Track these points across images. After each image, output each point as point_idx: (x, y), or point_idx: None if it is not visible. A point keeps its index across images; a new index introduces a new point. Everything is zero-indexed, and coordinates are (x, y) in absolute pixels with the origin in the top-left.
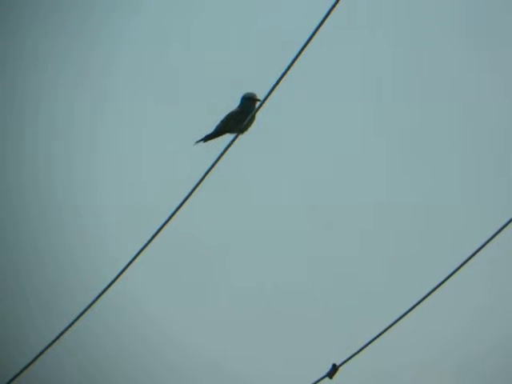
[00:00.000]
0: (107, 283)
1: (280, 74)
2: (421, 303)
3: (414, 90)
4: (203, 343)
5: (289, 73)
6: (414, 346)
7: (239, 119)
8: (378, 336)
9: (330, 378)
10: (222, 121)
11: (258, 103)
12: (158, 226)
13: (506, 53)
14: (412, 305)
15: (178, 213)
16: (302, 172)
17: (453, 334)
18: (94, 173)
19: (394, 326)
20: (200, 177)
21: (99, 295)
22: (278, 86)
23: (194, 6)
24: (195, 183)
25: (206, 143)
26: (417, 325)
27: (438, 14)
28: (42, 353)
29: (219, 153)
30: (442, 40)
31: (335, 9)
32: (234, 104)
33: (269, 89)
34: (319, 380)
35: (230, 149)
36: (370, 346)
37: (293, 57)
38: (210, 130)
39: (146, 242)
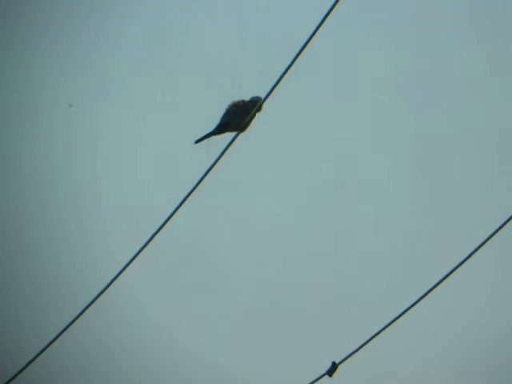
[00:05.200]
0: (107, 282)
1: (280, 74)
2: (421, 301)
3: (413, 90)
4: (202, 342)
5: (289, 72)
6: (414, 345)
7: (242, 110)
8: (377, 334)
9: (330, 375)
10: (225, 114)
11: (258, 104)
12: (158, 226)
13: (506, 52)
14: (412, 303)
15: (178, 212)
16: (302, 170)
17: (453, 334)
18: (95, 172)
19: (394, 324)
20: (200, 176)
21: (99, 294)
22: (277, 86)
23: (194, 6)
24: (195, 182)
25: (206, 142)
26: (417, 324)
27: (438, 12)
28: (41, 352)
29: (219, 152)
30: (442, 39)
31: (336, 7)
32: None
33: (269, 89)
34: (319, 378)
35: (230, 148)
36: (369, 344)
37: (293, 56)
38: (211, 128)
39: (145, 241)
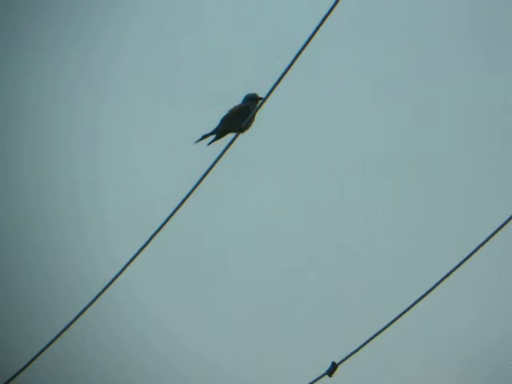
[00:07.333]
0: (107, 282)
1: (280, 74)
2: (421, 302)
3: (414, 90)
4: (203, 342)
5: (289, 73)
6: (414, 346)
7: (242, 114)
8: (377, 334)
9: (330, 376)
10: (225, 117)
11: (259, 102)
12: (158, 226)
13: (505, 52)
14: (412, 303)
15: (178, 212)
16: (302, 171)
17: (454, 334)
18: (95, 172)
19: (394, 324)
20: (200, 176)
21: (99, 294)
22: (277, 86)
23: (194, 6)
24: (195, 183)
25: (206, 142)
26: (417, 324)
27: (438, 13)
28: (41, 352)
29: (219, 152)
30: (442, 40)
31: (336, 8)
32: (234, 104)
33: (269, 89)
34: (319, 378)
35: (230, 148)
36: (369, 344)
37: (293, 56)
38: (212, 128)
39: (145, 241)
